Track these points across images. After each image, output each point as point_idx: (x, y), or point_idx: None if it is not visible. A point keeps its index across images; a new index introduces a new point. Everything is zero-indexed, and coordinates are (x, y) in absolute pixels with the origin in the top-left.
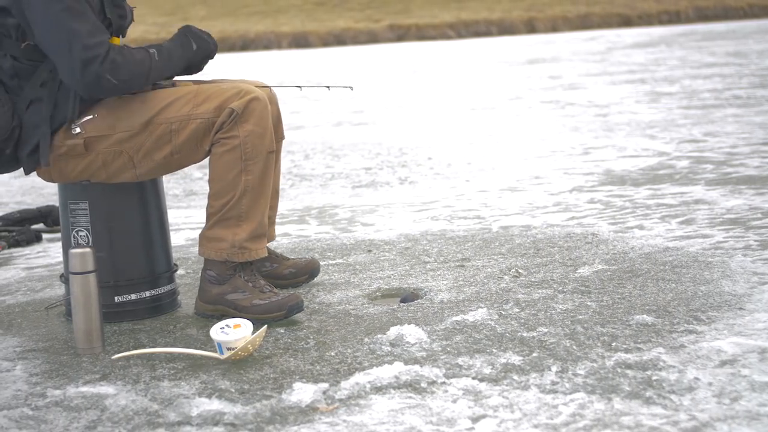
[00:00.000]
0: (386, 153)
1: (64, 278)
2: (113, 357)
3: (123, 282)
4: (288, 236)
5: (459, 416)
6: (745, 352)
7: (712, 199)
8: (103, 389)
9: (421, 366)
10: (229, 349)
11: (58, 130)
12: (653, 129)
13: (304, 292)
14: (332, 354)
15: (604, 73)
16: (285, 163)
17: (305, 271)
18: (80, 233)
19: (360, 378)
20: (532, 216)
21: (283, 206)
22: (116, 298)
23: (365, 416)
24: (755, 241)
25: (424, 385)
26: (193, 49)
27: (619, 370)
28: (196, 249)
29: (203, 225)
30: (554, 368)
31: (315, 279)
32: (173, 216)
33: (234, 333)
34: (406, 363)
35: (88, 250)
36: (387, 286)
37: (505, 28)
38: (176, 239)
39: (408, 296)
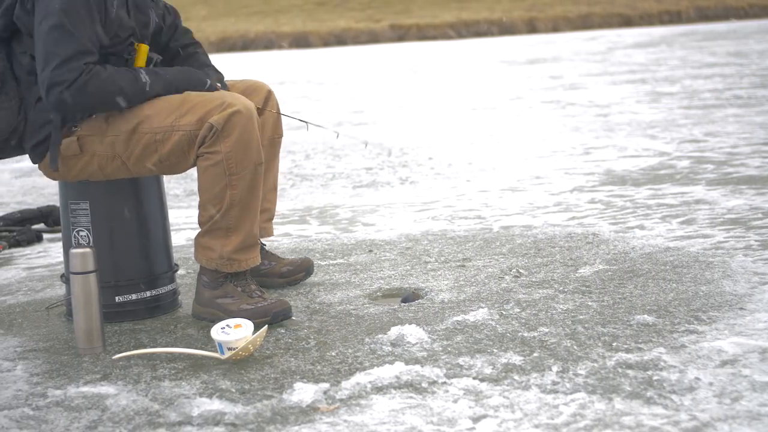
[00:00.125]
0: (387, 153)
1: (65, 278)
2: (114, 357)
3: (124, 282)
4: (289, 236)
5: (460, 416)
6: (745, 352)
7: (712, 199)
8: (104, 389)
9: (422, 366)
10: (229, 349)
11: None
12: (654, 129)
13: (305, 292)
14: (333, 354)
15: (605, 73)
16: (286, 162)
17: (302, 269)
18: (81, 233)
19: (361, 378)
20: (533, 216)
21: (284, 206)
22: (117, 298)
23: (366, 416)
24: (756, 241)
25: (424, 385)
26: (205, 86)
27: (619, 370)
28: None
29: None
30: (555, 368)
31: (316, 279)
32: (174, 216)
33: (235, 333)
34: (406, 363)
35: (88, 250)
36: (388, 286)
37: (505, 28)
38: (177, 239)
39: (409, 296)
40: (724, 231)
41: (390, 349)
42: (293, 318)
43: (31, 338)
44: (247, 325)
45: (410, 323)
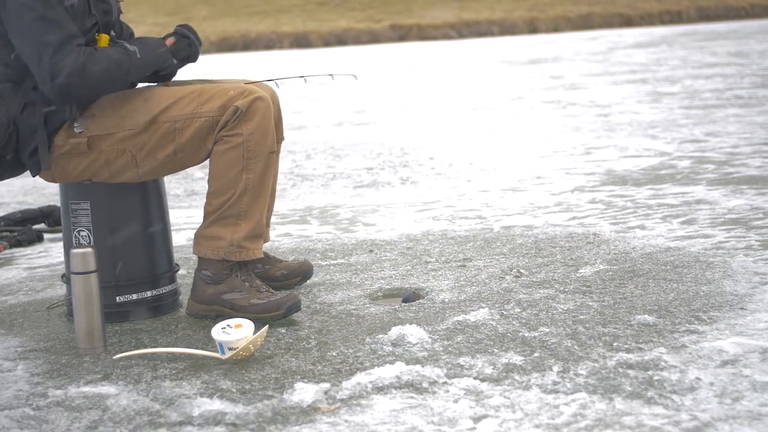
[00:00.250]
0: (388, 153)
1: (66, 278)
2: (115, 357)
3: (124, 282)
4: (289, 236)
5: (460, 416)
6: (746, 352)
7: (713, 199)
8: (105, 389)
9: (423, 366)
10: (230, 349)
11: (59, 129)
12: (655, 129)
13: (306, 292)
14: (334, 354)
15: (606, 73)
16: (286, 163)
17: (298, 273)
18: (82, 233)
19: (361, 378)
20: (534, 216)
21: (284, 206)
22: (117, 298)
23: (367, 416)
24: (756, 241)
25: (425, 385)
26: (164, 49)
27: (620, 370)
28: None
29: None
30: (556, 368)
31: (316, 279)
32: (175, 216)
33: (235, 333)
34: (407, 363)
35: (89, 250)
36: (388, 286)
37: (506, 28)
38: (178, 239)
39: (409, 296)
40: (724, 231)
41: (391, 349)
42: (294, 318)
43: (32, 338)
44: (247, 325)
45: (411, 323)
